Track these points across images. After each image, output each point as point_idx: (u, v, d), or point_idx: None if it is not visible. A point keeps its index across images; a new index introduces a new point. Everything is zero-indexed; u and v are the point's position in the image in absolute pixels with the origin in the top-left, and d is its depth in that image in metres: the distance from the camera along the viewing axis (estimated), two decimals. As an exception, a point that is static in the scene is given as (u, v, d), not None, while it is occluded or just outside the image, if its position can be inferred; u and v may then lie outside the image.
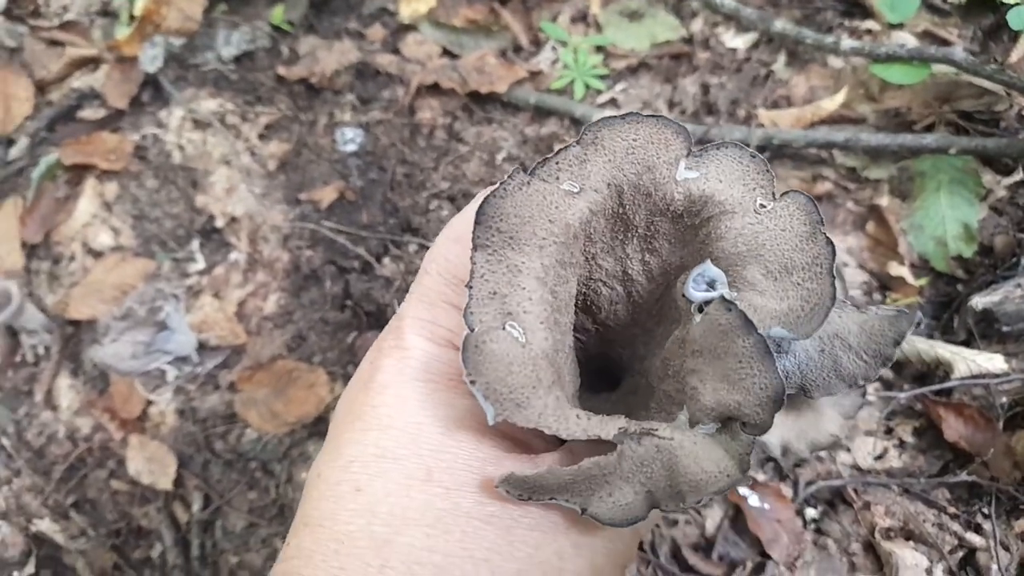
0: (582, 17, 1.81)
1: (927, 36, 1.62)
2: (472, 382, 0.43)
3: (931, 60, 1.46)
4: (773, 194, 0.50)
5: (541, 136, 1.65)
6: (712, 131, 1.53)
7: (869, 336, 0.53)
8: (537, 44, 1.80)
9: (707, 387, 0.44)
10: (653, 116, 0.51)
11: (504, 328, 0.45)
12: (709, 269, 0.47)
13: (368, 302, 1.48)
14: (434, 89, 1.70)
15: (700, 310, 0.46)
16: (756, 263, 0.47)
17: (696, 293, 0.46)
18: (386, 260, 1.51)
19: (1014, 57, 1.54)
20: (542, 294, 0.47)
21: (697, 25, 1.75)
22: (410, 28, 1.81)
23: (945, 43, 1.58)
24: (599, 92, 1.69)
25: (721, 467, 0.43)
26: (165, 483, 1.45)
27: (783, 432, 0.98)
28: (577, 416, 0.44)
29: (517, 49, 1.79)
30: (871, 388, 1.32)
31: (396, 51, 1.78)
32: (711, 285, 0.47)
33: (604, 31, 1.77)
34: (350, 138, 1.66)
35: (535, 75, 1.72)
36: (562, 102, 1.65)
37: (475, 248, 0.47)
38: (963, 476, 1.24)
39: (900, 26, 1.62)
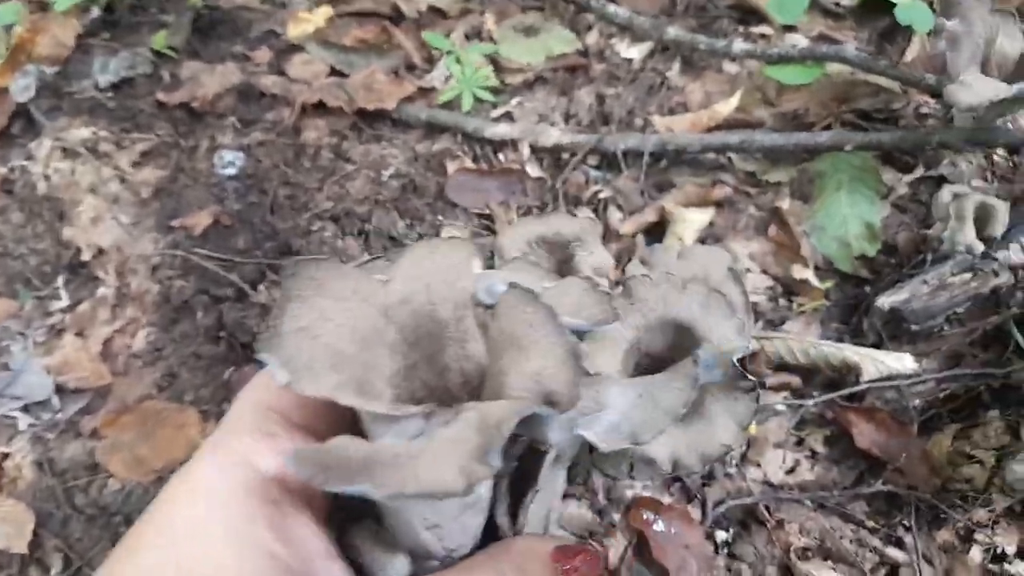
0: (477, 34, 1.76)
1: (822, 39, 1.59)
2: (264, 355, 0.45)
3: (823, 59, 1.42)
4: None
5: (433, 152, 1.57)
6: (606, 139, 1.46)
7: (674, 370, 0.62)
8: (431, 62, 1.73)
9: (511, 371, 0.46)
10: (451, 237, 0.60)
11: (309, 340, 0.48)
12: (495, 282, 0.51)
13: (243, 333, 1.36)
14: (321, 109, 1.61)
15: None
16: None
17: (488, 297, 0.51)
18: (262, 287, 1.40)
19: (909, 56, 1.52)
20: (351, 333, 0.49)
21: (592, 37, 1.70)
22: (298, 49, 1.73)
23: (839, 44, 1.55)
24: (494, 106, 1.62)
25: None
26: (20, 546, 1.29)
27: (672, 444, 0.89)
28: (381, 395, 0.47)
29: (410, 68, 1.72)
30: (779, 397, 1.23)
31: (282, 72, 1.70)
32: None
33: (500, 46, 1.71)
34: (229, 161, 1.56)
35: (427, 91, 1.65)
36: (454, 117, 1.58)
37: (287, 300, 0.49)
38: (879, 486, 1.16)
39: (793, 29, 1.59)
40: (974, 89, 1.13)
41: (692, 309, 1.08)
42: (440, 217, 1.49)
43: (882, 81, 1.44)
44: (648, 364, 1.11)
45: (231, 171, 1.55)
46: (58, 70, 1.75)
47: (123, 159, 1.62)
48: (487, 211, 1.48)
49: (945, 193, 1.23)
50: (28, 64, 1.74)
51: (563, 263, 1.26)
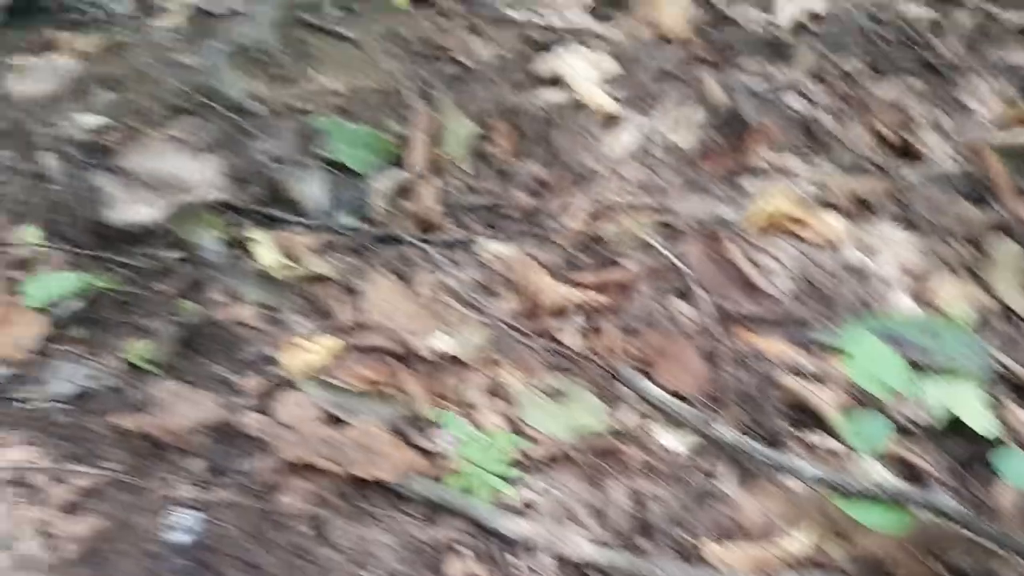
0: (494, 390, 1.55)
1: (898, 464, 1.38)
2: None
3: (905, 503, 1.21)
4: None
5: (433, 542, 1.29)
6: (643, 571, 1.19)
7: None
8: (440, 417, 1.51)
9: None
10: None
11: None
12: None
13: None
14: (307, 467, 1.36)
15: None
16: None
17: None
18: None
19: (1002, 499, 1.31)
20: None
21: (627, 414, 1.50)
22: (290, 384, 1.52)
23: (917, 476, 1.35)
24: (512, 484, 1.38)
25: None
26: None
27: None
28: None
29: (415, 421, 1.48)
30: None
31: (266, 411, 1.47)
32: None
33: (522, 410, 1.50)
34: (184, 525, 1.27)
35: (431, 456, 1.41)
36: (462, 499, 1.33)
37: None
38: None
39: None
40: None
41: None
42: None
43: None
44: None
45: (183, 538, 1.26)
46: (13, 373, 1.53)
47: (55, 499, 1.33)
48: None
49: None
50: (-21, 361, 1.52)
51: None
